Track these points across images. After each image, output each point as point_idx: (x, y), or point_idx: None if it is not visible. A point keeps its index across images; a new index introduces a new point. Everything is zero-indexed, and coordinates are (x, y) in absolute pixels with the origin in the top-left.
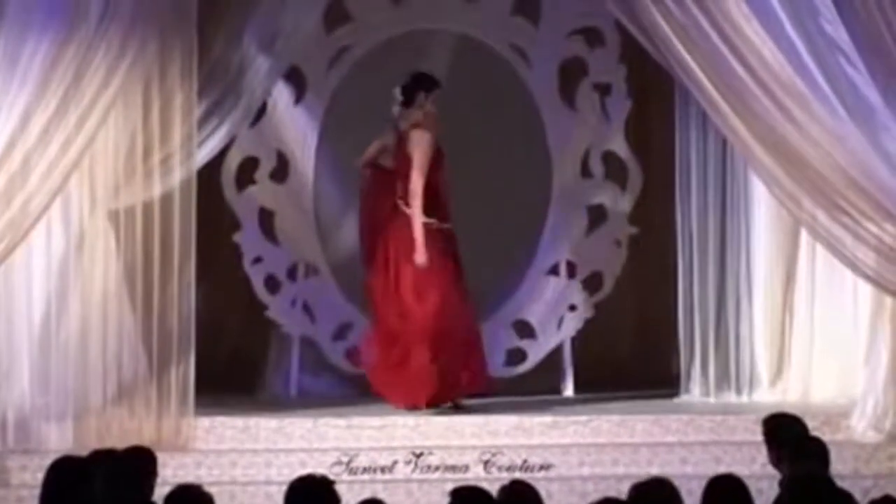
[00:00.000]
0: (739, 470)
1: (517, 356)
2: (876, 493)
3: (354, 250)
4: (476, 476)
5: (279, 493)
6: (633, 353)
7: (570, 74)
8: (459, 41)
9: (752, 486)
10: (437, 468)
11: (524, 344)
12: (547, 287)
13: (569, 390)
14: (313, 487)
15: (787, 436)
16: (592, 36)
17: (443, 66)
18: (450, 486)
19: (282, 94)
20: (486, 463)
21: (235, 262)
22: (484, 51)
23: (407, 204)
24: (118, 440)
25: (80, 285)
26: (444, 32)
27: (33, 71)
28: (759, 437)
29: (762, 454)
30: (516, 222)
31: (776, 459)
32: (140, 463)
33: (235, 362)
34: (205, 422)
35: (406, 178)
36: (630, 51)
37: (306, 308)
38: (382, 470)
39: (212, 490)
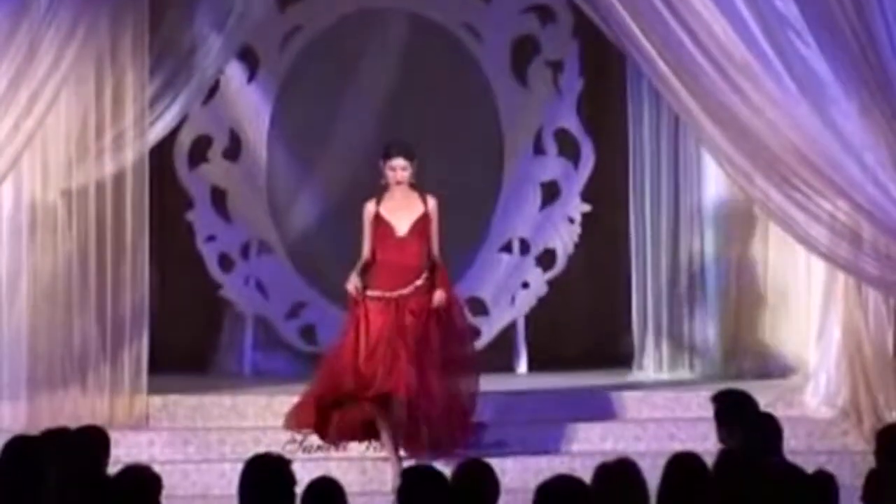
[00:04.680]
0: (693, 446)
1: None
2: (830, 469)
3: (308, 228)
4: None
5: (233, 472)
6: (586, 330)
7: (523, 52)
8: (412, 20)
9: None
10: None
11: (477, 321)
12: (500, 264)
13: (522, 367)
14: (270, 466)
15: (736, 412)
16: (544, 13)
17: (395, 44)
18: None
19: (235, 73)
20: None
21: (188, 241)
22: (436, 29)
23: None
24: (71, 419)
25: (33, 264)
26: (396, 11)
27: None
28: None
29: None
30: (469, 199)
31: (726, 436)
32: (93, 442)
33: (189, 341)
34: (158, 400)
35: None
36: (582, 28)
37: (259, 287)
38: (336, 448)
39: (165, 468)
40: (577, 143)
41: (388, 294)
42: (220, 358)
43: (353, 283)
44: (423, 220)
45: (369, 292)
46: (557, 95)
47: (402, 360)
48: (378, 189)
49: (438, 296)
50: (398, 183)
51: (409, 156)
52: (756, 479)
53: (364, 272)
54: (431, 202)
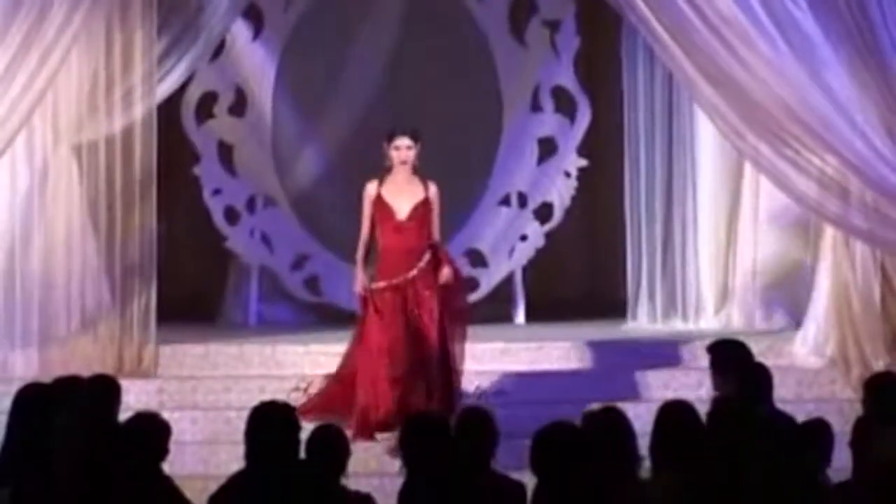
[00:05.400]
0: (686, 395)
1: (469, 285)
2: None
3: (312, 182)
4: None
5: (238, 418)
6: (582, 282)
7: (521, 11)
8: None
9: (699, 411)
10: None
11: (476, 273)
12: (499, 217)
13: (520, 318)
14: (275, 413)
15: (731, 361)
16: None
17: (396, 3)
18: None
19: (240, 31)
20: None
21: (195, 194)
22: None
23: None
24: (82, 367)
25: (45, 218)
26: None
27: None
28: (706, 363)
29: (709, 379)
30: (468, 155)
31: (721, 384)
32: (104, 390)
33: (196, 292)
34: (166, 349)
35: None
36: None
37: (265, 239)
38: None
39: (173, 415)
40: (574, 100)
41: (394, 281)
42: (227, 308)
43: (360, 284)
44: (424, 205)
45: (375, 284)
46: (554, 54)
47: (412, 403)
48: (381, 171)
49: (446, 273)
50: (402, 163)
51: (414, 136)
52: (751, 425)
53: (367, 263)
54: (433, 189)
